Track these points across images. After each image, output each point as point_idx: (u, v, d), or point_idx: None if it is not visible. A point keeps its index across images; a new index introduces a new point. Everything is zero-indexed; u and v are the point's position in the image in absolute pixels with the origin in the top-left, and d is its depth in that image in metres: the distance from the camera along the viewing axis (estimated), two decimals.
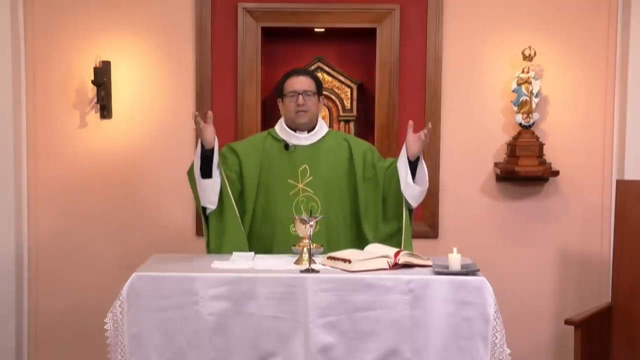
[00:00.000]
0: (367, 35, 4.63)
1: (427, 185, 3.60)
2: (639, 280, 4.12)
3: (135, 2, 4.60)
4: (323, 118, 4.69)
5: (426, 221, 4.62)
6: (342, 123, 4.80)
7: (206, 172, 3.52)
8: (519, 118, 4.52)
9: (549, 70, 4.59)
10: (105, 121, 4.62)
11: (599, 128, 4.64)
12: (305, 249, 3.24)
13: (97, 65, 4.50)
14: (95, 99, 4.58)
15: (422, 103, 4.61)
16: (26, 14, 4.58)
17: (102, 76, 4.51)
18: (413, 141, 3.52)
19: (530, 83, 4.48)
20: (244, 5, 4.58)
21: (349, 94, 4.78)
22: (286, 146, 3.67)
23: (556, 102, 4.63)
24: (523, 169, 4.48)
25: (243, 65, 4.60)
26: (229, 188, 3.57)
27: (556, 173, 4.56)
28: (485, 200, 4.68)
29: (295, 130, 3.68)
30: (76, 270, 4.68)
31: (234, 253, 3.44)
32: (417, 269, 3.20)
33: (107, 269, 4.60)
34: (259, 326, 3.07)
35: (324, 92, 4.05)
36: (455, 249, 3.15)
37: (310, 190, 3.63)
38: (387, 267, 3.17)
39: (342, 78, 4.77)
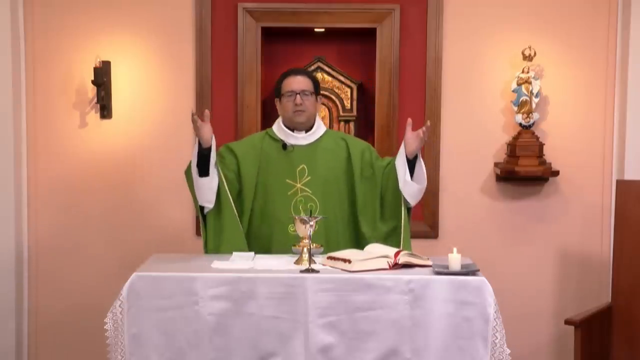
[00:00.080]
0: (367, 35, 4.62)
1: (425, 183, 3.58)
2: (639, 280, 4.12)
3: (135, 2, 4.60)
4: (323, 118, 4.71)
5: (426, 221, 4.62)
6: (342, 123, 4.80)
7: (203, 171, 3.51)
8: (519, 118, 4.52)
9: (549, 70, 4.59)
10: (105, 121, 4.62)
11: (599, 128, 4.63)
12: (305, 249, 3.24)
13: (97, 65, 4.50)
14: (95, 99, 4.58)
15: (422, 103, 4.61)
16: (26, 14, 4.58)
17: (102, 76, 4.51)
18: (412, 139, 3.51)
19: (530, 83, 4.48)
20: (244, 5, 4.58)
21: (349, 94, 4.78)
22: (284, 146, 3.66)
23: (556, 102, 4.63)
24: (523, 169, 4.48)
25: (243, 65, 4.60)
26: (226, 186, 3.56)
27: (556, 173, 4.56)
28: (485, 200, 4.68)
29: (293, 130, 3.68)
30: (76, 270, 4.68)
31: (234, 253, 3.43)
32: (417, 269, 3.20)
33: (107, 269, 4.60)
34: (259, 326, 3.07)
35: (322, 92, 4.04)
36: (455, 249, 3.15)
37: (308, 190, 3.62)
38: (387, 267, 3.17)
39: (342, 78, 4.77)
